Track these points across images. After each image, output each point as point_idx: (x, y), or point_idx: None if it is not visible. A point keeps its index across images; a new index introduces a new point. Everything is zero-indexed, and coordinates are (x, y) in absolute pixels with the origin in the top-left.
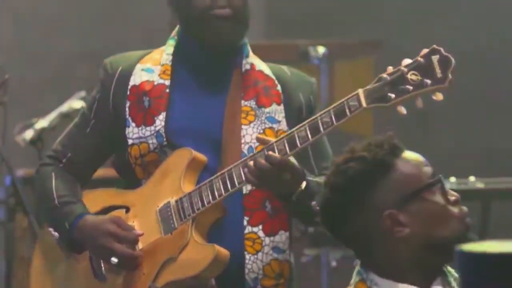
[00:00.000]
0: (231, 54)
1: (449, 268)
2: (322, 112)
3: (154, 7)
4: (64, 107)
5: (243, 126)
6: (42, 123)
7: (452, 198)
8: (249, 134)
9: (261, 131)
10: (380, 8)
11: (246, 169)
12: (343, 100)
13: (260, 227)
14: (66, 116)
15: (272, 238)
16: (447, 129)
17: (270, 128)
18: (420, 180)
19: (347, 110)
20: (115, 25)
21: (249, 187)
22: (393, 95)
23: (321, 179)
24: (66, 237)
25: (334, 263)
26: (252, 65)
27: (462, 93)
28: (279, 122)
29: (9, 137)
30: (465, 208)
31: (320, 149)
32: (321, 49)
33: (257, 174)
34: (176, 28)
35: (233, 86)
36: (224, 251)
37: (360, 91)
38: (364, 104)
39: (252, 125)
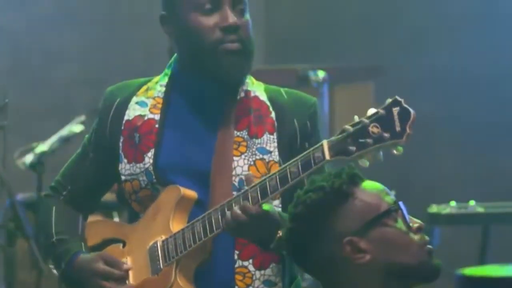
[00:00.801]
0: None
1: None
2: (291, 161)
3: (154, 32)
4: (64, 131)
5: (234, 158)
6: (42, 147)
7: (415, 225)
8: (240, 166)
9: (252, 163)
10: (381, 34)
11: (224, 220)
12: (309, 150)
13: (251, 261)
14: (66, 140)
15: (262, 271)
16: (448, 154)
17: (261, 159)
18: (380, 207)
19: (312, 162)
20: (115, 50)
21: None
22: (354, 148)
23: None
24: (63, 276)
25: None
26: (247, 92)
27: (463, 118)
28: (270, 152)
29: (9, 161)
30: (426, 237)
31: (317, 173)
32: (321, 74)
33: (234, 225)
34: (173, 58)
35: (226, 116)
36: None
37: (325, 143)
38: (327, 156)
39: (243, 156)
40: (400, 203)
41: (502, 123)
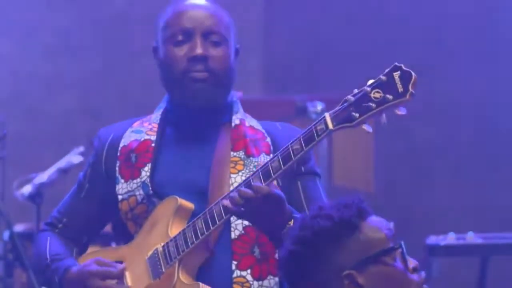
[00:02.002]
0: (217, 113)
1: None
2: (291, 141)
3: (152, 63)
4: (63, 163)
5: (231, 175)
6: (40, 178)
7: (411, 265)
8: (238, 182)
9: None
10: (379, 64)
11: (228, 200)
12: (311, 125)
13: (249, 271)
14: (65, 172)
15: (260, 282)
16: (446, 185)
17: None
18: (382, 244)
19: (315, 135)
20: (113, 80)
21: (237, 232)
22: (357, 115)
23: None
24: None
25: None
26: (241, 120)
27: (461, 149)
28: None
29: (7, 192)
30: (423, 274)
31: (313, 194)
32: (319, 105)
33: (240, 203)
34: None
35: (221, 139)
36: None
37: (327, 115)
38: (330, 126)
39: (240, 173)
40: (401, 243)
41: (501, 154)
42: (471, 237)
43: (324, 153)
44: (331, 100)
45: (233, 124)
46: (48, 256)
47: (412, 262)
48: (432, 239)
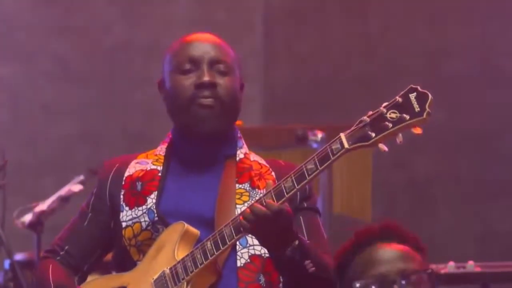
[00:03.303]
0: (222, 144)
1: None
2: (305, 161)
3: (154, 89)
4: (63, 191)
5: (237, 206)
6: (41, 206)
7: None
8: None
9: None
10: (380, 94)
11: (241, 216)
12: (325, 145)
13: None
14: (65, 200)
15: None
16: (446, 214)
17: None
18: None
19: (330, 154)
20: (114, 107)
21: (243, 260)
22: (373, 134)
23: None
24: None
25: None
26: (246, 154)
27: (461, 177)
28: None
29: (8, 221)
30: None
31: (315, 230)
32: (319, 134)
33: (252, 219)
34: None
35: (226, 172)
36: None
37: (342, 134)
38: (346, 145)
39: (246, 204)
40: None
41: (502, 181)
42: (471, 266)
43: (324, 182)
44: (331, 129)
45: (237, 158)
46: (52, 284)
47: None
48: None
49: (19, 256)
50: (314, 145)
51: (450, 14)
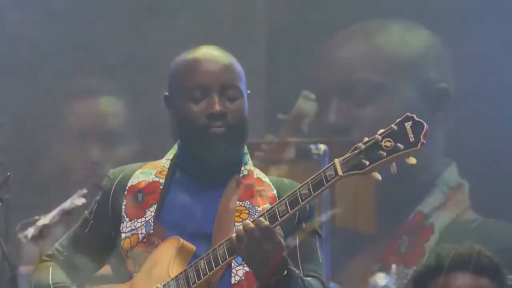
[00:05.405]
0: (229, 165)
1: None
2: (300, 186)
3: (155, 106)
4: (66, 204)
5: (236, 223)
6: (43, 220)
7: None
8: None
9: None
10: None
11: (235, 231)
12: (320, 171)
13: None
14: (68, 213)
15: None
16: None
17: None
18: None
19: (324, 181)
20: None
21: (237, 278)
22: (367, 162)
23: (307, 278)
24: None
25: None
26: (249, 171)
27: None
28: None
29: (11, 235)
30: None
31: (309, 252)
32: (322, 147)
33: (242, 236)
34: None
35: (229, 188)
36: None
37: (337, 161)
38: (340, 172)
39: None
40: None
41: (503, 196)
42: None
43: (327, 195)
44: (333, 143)
45: (241, 175)
46: (50, 284)
47: None
48: None
49: (21, 270)
50: (316, 158)
51: None
